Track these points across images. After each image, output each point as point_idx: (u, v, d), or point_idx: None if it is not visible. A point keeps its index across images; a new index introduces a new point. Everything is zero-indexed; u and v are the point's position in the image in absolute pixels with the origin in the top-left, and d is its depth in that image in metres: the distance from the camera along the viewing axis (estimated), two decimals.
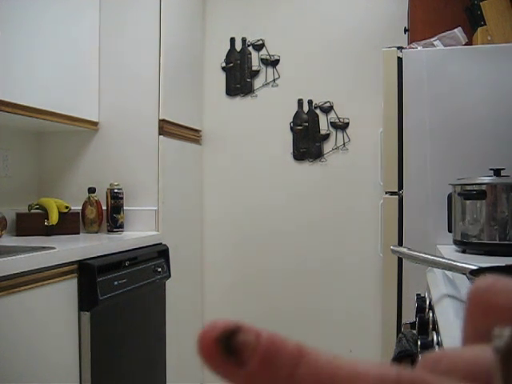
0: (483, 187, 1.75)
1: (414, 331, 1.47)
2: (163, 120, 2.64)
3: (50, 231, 2.40)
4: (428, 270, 1.50)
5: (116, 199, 2.52)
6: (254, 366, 0.16)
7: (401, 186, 2.18)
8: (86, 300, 1.91)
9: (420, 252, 1.18)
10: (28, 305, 1.68)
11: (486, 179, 1.76)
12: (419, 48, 2.25)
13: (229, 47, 3.20)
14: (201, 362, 0.17)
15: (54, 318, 1.79)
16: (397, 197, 2.21)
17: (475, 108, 2.11)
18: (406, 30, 2.69)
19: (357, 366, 0.16)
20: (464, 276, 1.02)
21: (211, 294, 3.19)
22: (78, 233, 2.52)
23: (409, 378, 0.16)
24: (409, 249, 1.23)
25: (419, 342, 1.15)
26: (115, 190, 2.52)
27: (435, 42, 2.26)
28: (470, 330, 0.20)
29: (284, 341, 0.16)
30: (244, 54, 3.18)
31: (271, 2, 3.15)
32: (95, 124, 2.66)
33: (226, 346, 0.16)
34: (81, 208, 2.57)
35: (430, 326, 1.17)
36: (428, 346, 1.10)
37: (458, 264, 1.03)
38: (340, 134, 3.06)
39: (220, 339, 0.16)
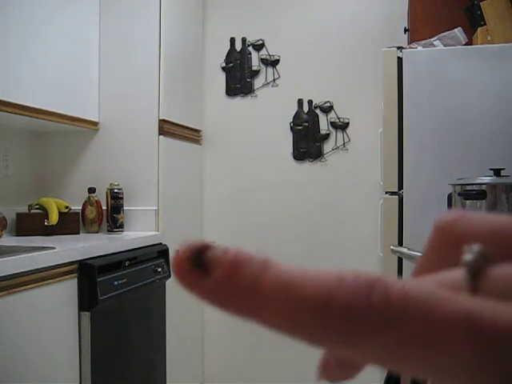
0: (483, 187, 1.75)
1: None
2: (163, 120, 2.64)
3: (49, 231, 2.40)
4: None
5: (116, 199, 2.52)
6: (217, 275, 0.16)
7: (401, 186, 2.18)
8: (86, 300, 1.91)
9: (420, 252, 1.18)
10: (28, 305, 1.68)
11: (486, 179, 1.76)
12: (419, 48, 2.25)
13: (229, 47, 3.19)
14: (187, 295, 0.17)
15: (54, 318, 1.79)
16: (397, 197, 2.21)
17: (475, 108, 2.11)
18: (405, 30, 2.69)
19: (322, 271, 0.16)
20: None
21: None
22: (78, 233, 2.52)
23: (367, 274, 0.16)
24: (409, 249, 1.23)
25: None
26: (115, 190, 2.52)
27: (435, 42, 2.26)
28: (433, 258, 0.20)
29: (251, 254, 0.17)
30: (244, 54, 3.18)
31: (271, 2, 3.15)
32: (95, 124, 2.66)
33: (195, 262, 0.17)
34: (81, 208, 2.57)
35: None
36: None
37: None
38: (340, 134, 3.06)
39: (191, 254, 0.17)
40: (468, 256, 0.17)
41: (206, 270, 0.17)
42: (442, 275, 0.18)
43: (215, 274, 0.16)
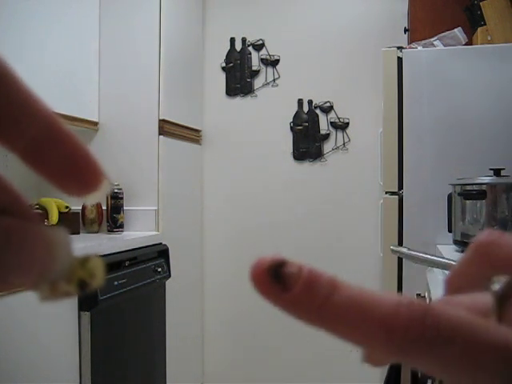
0: (483, 187, 1.75)
1: None
2: (163, 120, 2.64)
3: None
4: (428, 270, 1.50)
5: (116, 199, 2.52)
6: (296, 290, 0.19)
7: (401, 186, 2.19)
8: (86, 300, 1.91)
9: (420, 252, 1.18)
10: (28, 305, 1.68)
11: (486, 179, 1.77)
12: (419, 48, 2.25)
13: (229, 47, 3.20)
14: (253, 287, 0.20)
15: (54, 318, 1.79)
16: (397, 197, 2.21)
17: (475, 108, 2.11)
18: (406, 30, 2.69)
19: (379, 295, 0.20)
20: None
21: (211, 294, 3.19)
22: (78, 233, 2.52)
23: (419, 303, 0.19)
24: (409, 249, 1.23)
25: None
26: (115, 190, 2.52)
27: (435, 42, 2.26)
28: (466, 273, 0.24)
29: (321, 273, 0.20)
30: (244, 54, 3.18)
31: (271, 2, 3.15)
32: (95, 124, 2.66)
33: (274, 275, 0.20)
34: (81, 208, 2.57)
35: None
36: None
37: None
38: (340, 134, 3.06)
39: (269, 269, 0.20)
40: (496, 287, 0.20)
41: (284, 284, 0.20)
42: (473, 298, 0.22)
43: (294, 290, 0.19)
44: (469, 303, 0.22)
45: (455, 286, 0.24)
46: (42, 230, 0.20)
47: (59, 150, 0.21)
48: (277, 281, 0.20)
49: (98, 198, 0.22)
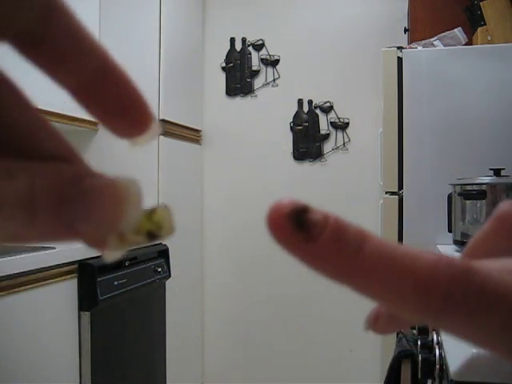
0: (483, 187, 1.75)
1: (414, 331, 1.47)
2: (163, 120, 2.64)
3: None
4: None
5: None
6: (323, 241, 0.17)
7: (401, 186, 2.19)
8: (86, 300, 1.91)
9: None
10: (28, 305, 1.68)
11: (486, 179, 1.77)
12: (419, 48, 2.25)
13: (229, 47, 3.20)
14: (270, 234, 0.18)
15: (54, 318, 1.79)
16: (397, 197, 2.22)
17: (475, 108, 2.11)
18: (406, 30, 2.69)
19: (414, 249, 0.18)
20: None
21: (211, 294, 3.19)
22: None
23: (462, 261, 0.17)
24: None
25: (419, 342, 1.15)
26: None
27: (435, 42, 2.26)
28: (488, 244, 0.23)
29: (348, 222, 0.18)
30: (244, 54, 3.18)
31: (271, 2, 3.15)
32: (95, 124, 2.66)
33: (296, 222, 0.17)
34: None
35: (430, 326, 1.17)
36: (428, 346, 1.10)
37: None
38: (340, 134, 3.06)
39: (291, 215, 0.17)
40: None
41: (308, 233, 0.17)
42: (501, 262, 0.20)
43: (320, 240, 0.17)
44: (498, 267, 0.20)
45: (476, 254, 0.23)
46: (113, 180, 0.19)
47: (112, 89, 0.21)
48: (299, 228, 0.17)
49: (147, 139, 0.21)
